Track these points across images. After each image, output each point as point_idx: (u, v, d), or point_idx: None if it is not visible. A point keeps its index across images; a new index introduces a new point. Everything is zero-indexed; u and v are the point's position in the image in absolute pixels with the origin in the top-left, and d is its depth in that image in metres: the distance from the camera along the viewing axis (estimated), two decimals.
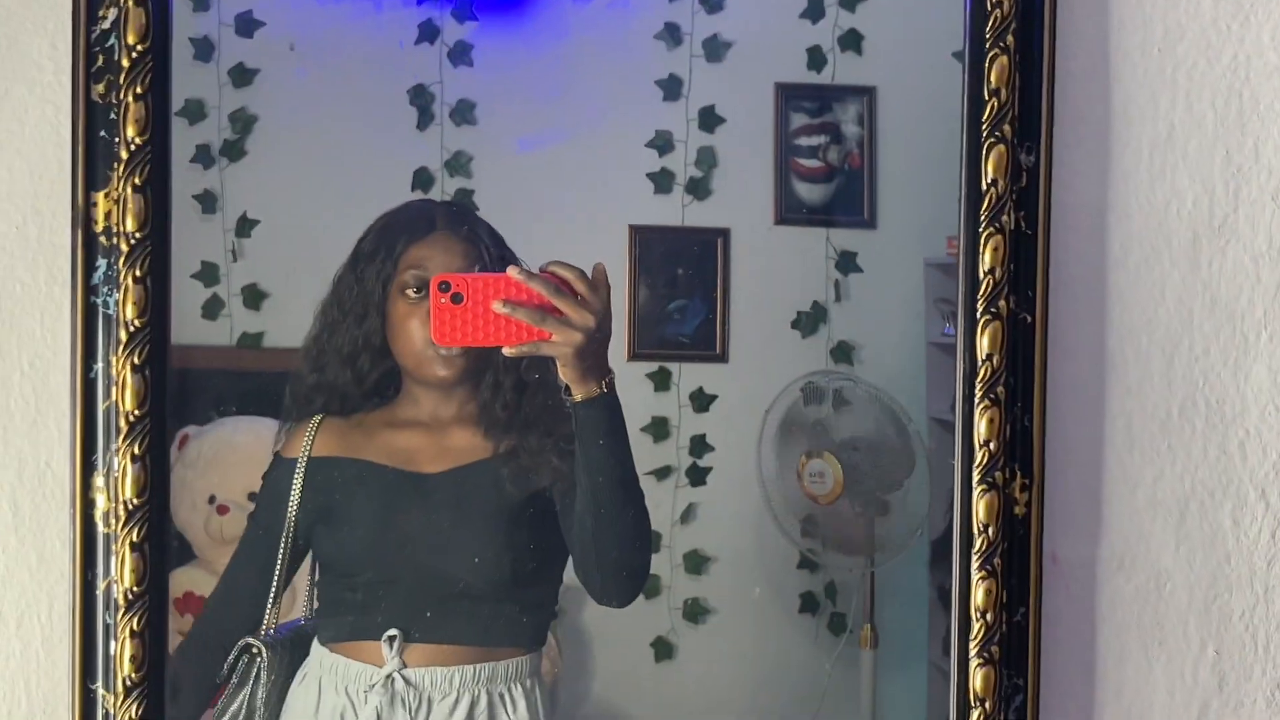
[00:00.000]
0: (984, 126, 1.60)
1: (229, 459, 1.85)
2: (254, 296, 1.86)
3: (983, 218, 1.60)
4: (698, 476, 1.93)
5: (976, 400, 1.60)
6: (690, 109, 1.93)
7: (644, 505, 1.64)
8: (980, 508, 1.60)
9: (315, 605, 1.73)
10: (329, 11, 1.85)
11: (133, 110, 1.46)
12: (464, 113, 1.87)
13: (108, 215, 1.47)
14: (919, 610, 1.93)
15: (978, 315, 1.60)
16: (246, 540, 1.74)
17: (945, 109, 1.72)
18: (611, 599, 1.66)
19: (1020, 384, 1.60)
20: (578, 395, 1.54)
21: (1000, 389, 1.60)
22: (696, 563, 1.91)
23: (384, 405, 1.71)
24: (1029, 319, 1.61)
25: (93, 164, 1.47)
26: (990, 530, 1.59)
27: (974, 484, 1.60)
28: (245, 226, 1.85)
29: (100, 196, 1.47)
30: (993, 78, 1.60)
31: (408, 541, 1.66)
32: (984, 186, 1.61)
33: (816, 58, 1.96)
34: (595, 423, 1.56)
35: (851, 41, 1.95)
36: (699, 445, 1.93)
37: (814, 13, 1.94)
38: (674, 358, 1.94)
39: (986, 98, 1.60)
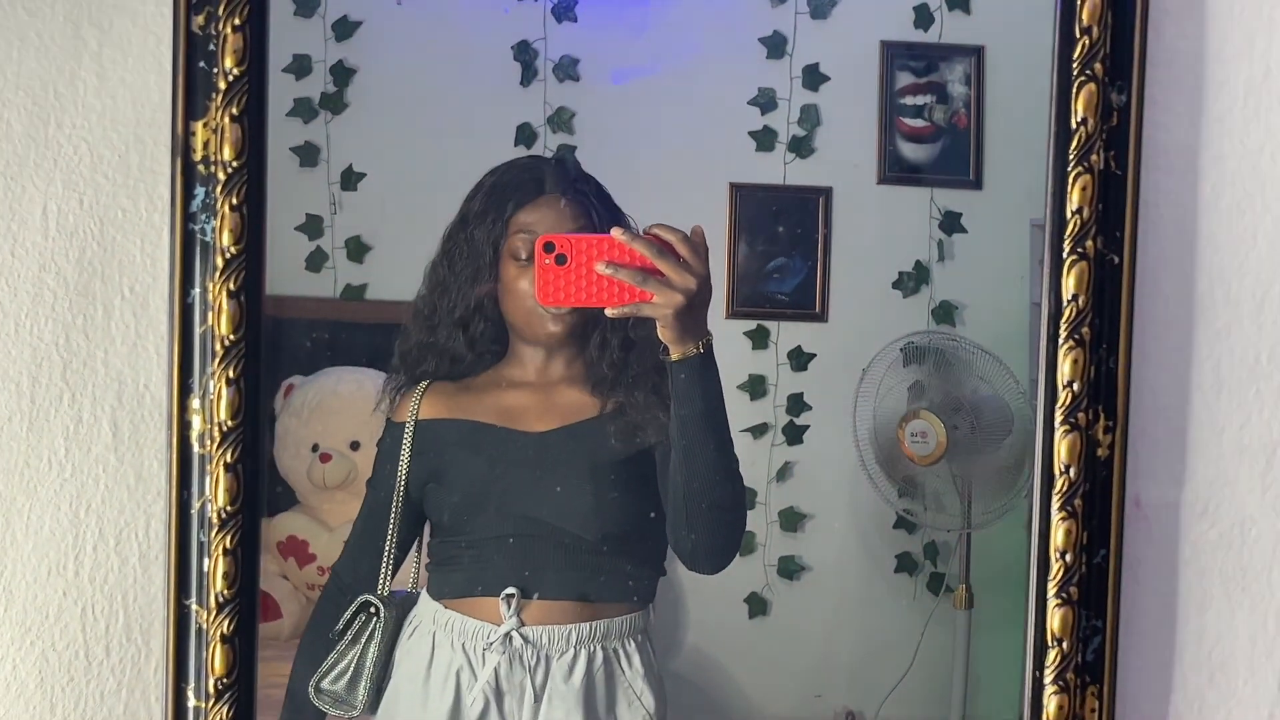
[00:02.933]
0: (1075, 65, 1.59)
1: (332, 408, 1.88)
2: (357, 249, 1.89)
3: (1071, 157, 1.59)
4: (794, 435, 1.92)
5: (1061, 341, 1.59)
6: (794, 67, 1.92)
7: (737, 471, 1.62)
8: (1062, 448, 1.58)
9: (425, 562, 1.75)
10: None
11: (231, 41, 1.48)
12: (567, 68, 1.88)
13: (206, 144, 1.50)
14: (1017, 572, 1.90)
15: (1064, 255, 1.60)
16: (365, 506, 1.76)
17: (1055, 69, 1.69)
18: (700, 564, 1.66)
19: (1106, 326, 1.59)
20: (675, 355, 1.54)
21: (1085, 330, 1.58)
22: (792, 520, 1.91)
23: (491, 366, 1.72)
24: (1116, 260, 1.59)
25: (192, 94, 1.50)
26: (1071, 471, 1.57)
27: (1056, 424, 1.58)
28: (350, 179, 1.87)
29: (199, 126, 1.50)
30: (1084, 15, 1.58)
31: (518, 499, 1.68)
32: (1073, 125, 1.59)
33: (923, 15, 1.94)
34: (690, 383, 1.55)
35: None
36: (796, 403, 1.93)
37: None
38: (772, 316, 1.93)
39: (1078, 35, 1.58)
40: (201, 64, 1.49)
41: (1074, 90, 1.59)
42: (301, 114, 1.85)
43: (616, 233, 1.50)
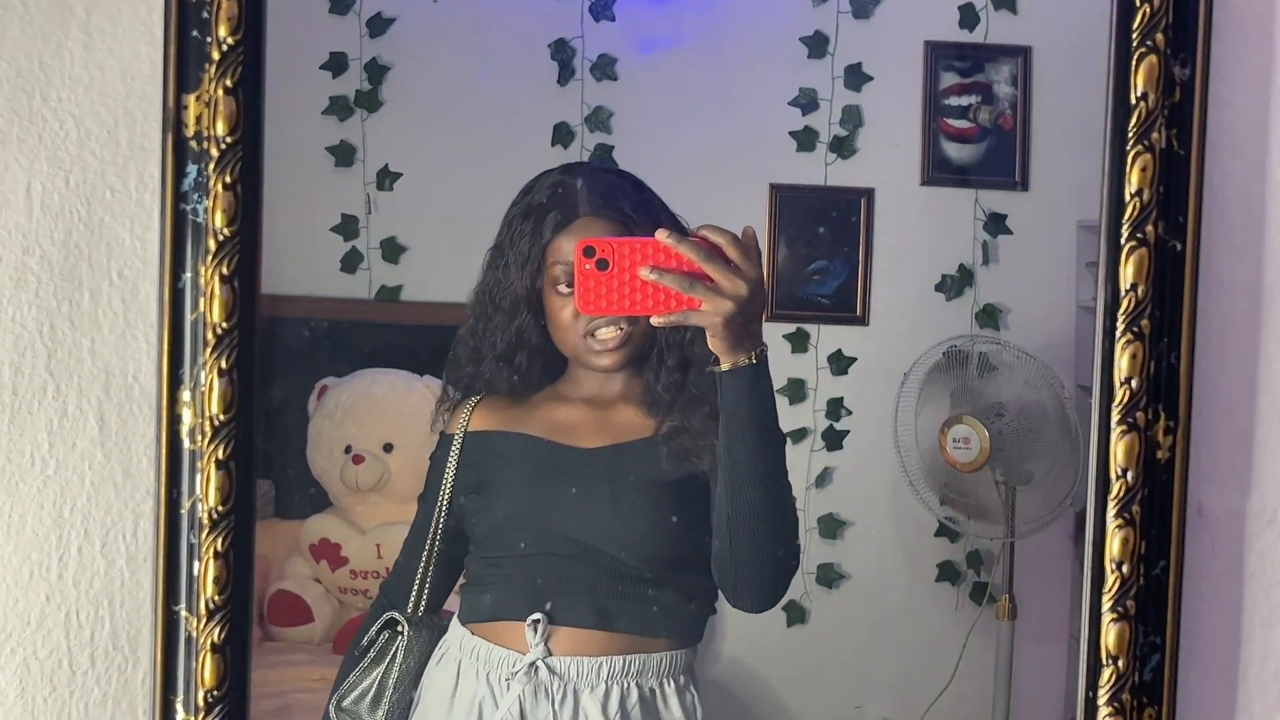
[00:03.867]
0: (1134, 35, 1.46)
1: (365, 410, 1.87)
2: (393, 250, 1.87)
3: (1130, 135, 1.47)
4: (834, 440, 1.89)
5: (1118, 334, 1.46)
6: (836, 66, 1.89)
7: (790, 502, 1.52)
8: (1119, 450, 1.47)
9: (461, 584, 1.67)
10: None
11: (225, 8, 1.39)
12: (605, 68, 1.86)
13: (199, 119, 1.41)
14: (1061, 583, 1.87)
15: (1122, 241, 1.47)
16: (416, 522, 1.67)
17: (1104, 71, 1.66)
18: (743, 601, 1.54)
19: (1167, 318, 1.47)
20: (724, 365, 1.44)
21: (1144, 322, 1.47)
22: (831, 527, 1.88)
23: (549, 384, 1.65)
24: (1178, 247, 1.47)
25: (184, 65, 1.40)
26: (1129, 475, 1.47)
27: (1112, 424, 1.47)
28: (386, 179, 1.86)
29: (191, 99, 1.41)
30: None
31: (556, 516, 1.59)
32: (1133, 100, 1.47)
33: (969, 15, 1.91)
34: (740, 397, 1.45)
35: None
36: (836, 408, 1.90)
37: None
38: (813, 319, 1.90)
39: (1138, 3, 1.46)
40: (195, 33, 1.40)
41: (1133, 63, 1.47)
42: (336, 112, 1.84)
43: (662, 235, 1.40)
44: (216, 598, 1.42)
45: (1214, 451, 1.54)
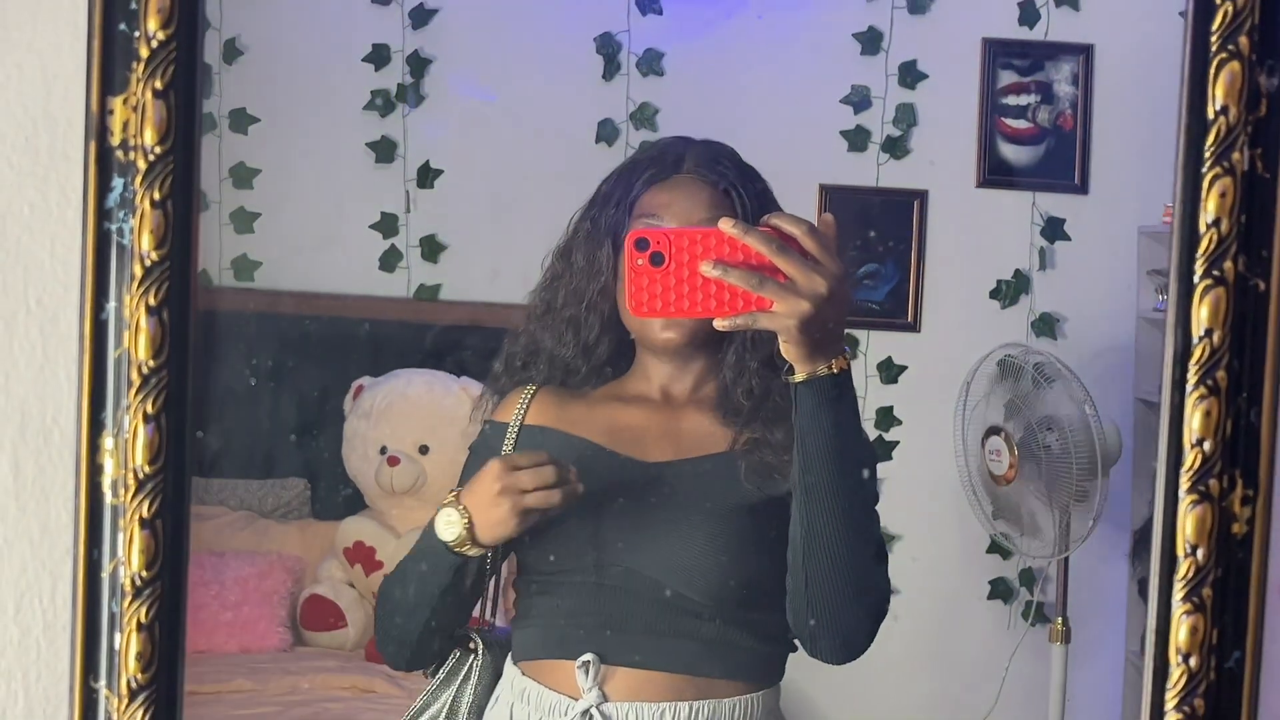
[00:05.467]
0: (1214, 38, 1.31)
1: (401, 410, 1.83)
2: (432, 249, 1.83)
3: (1207, 156, 1.28)
4: (883, 451, 1.83)
5: (1189, 387, 1.28)
6: (890, 64, 1.84)
7: (877, 533, 1.32)
8: (1188, 523, 1.28)
9: (510, 615, 1.54)
10: None
11: None
12: (651, 62, 1.81)
13: (125, 125, 1.25)
14: (1116, 602, 1.81)
15: (1195, 280, 1.31)
16: None
17: (1169, 70, 1.59)
18: (822, 650, 1.34)
19: (1247, 370, 1.30)
20: (800, 375, 1.25)
21: (1220, 374, 1.27)
22: None
23: (612, 379, 1.46)
24: (1262, 286, 1.31)
25: (110, 64, 1.23)
26: (1199, 552, 1.27)
27: (1181, 493, 1.31)
28: (427, 176, 1.82)
29: (117, 103, 1.24)
30: None
31: (614, 540, 1.39)
32: (1210, 115, 1.34)
33: (1029, 12, 1.85)
34: (818, 412, 1.26)
35: None
36: (886, 418, 1.84)
37: None
38: (862, 325, 1.85)
39: (1218, 2, 1.35)
40: (122, 26, 1.22)
41: (1211, 71, 1.31)
42: (379, 108, 1.80)
43: (725, 224, 1.20)
44: (139, 675, 1.26)
45: None
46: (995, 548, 1.86)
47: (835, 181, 1.85)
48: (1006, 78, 1.87)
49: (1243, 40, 1.23)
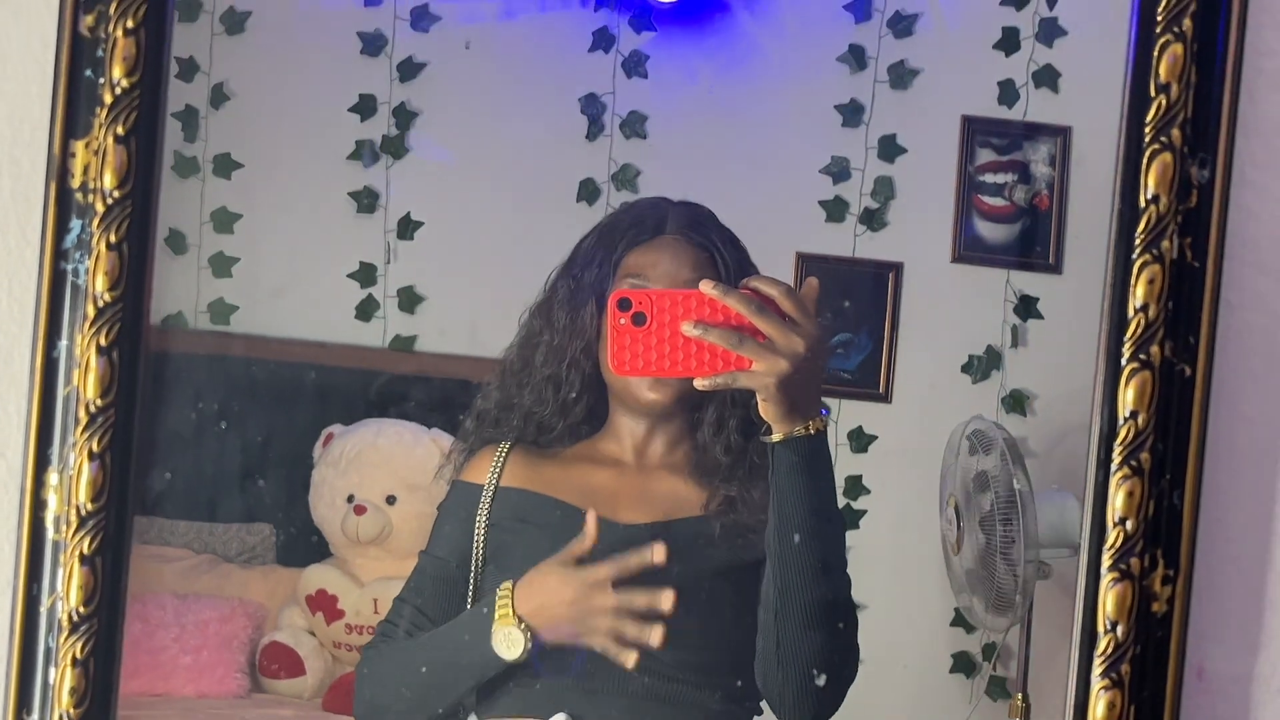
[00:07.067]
0: (1147, 129, 1.29)
1: (370, 460, 1.83)
2: (409, 299, 1.83)
3: (1138, 242, 1.31)
4: (850, 519, 1.84)
5: (1113, 468, 1.29)
6: (870, 136, 1.86)
7: (848, 600, 1.34)
8: (1108, 601, 1.27)
9: None
10: (505, 8, 1.83)
11: (121, 46, 1.24)
12: (634, 125, 1.83)
13: (86, 169, 1.27)
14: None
15: (1122, 362, 1.31)
16: (418, 578, 1.47)
17: None
18: (788, 712, 1.34)
19: (1170, 452, 1.29)
20: (777, 435, 1.28)
21: (1144, 455, 1.28)
22: None
23: (585, 439, 1.48)
24: (1187, 371, 1.30)
25: (74, 108, 1.26)
26: (1119, 630, 1.27)
27: (1102, 570, 1.28)
28: (408, 228, 1.83)
29: (80, 146, 1.26)
30: (1162, 70, 1.29)
31: None
32: (1142, 203, 1.30)
33: (1008, 92, 1.88)
34: (794, 473, 1.29)
35: (1047, 78, 1.86)
36: (854, 486, 1.85)
37: (1008, 45, 1.86)
38: (834, 393, 1.85)
39: (1153, 94, 1.29)
40: (88, 72, 1.25)
41: (1144, 161, 1.30)
42: (362, 158, 1.81)
43: (706, 285, 1.25)
44: (72, 710, 1.26)
45: (1219, 606, 1.36)
46: (959, 620, 1.86)
47: (813, 250, 1.86)
48: (984, 155, 1.89)
49: (1175, 133, 1.29)
